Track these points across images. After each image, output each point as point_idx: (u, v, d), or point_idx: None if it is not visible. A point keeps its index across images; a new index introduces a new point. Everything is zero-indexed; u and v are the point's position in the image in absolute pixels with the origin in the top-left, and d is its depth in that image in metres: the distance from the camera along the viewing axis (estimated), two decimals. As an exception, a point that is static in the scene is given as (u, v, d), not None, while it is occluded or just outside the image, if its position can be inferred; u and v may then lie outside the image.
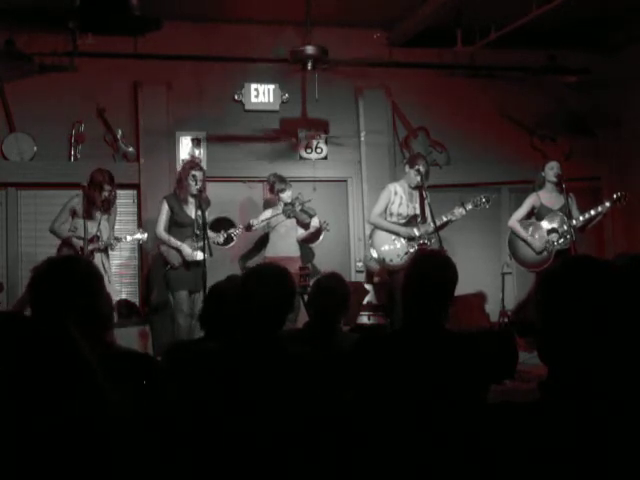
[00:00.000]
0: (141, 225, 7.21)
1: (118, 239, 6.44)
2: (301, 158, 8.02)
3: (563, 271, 1.67)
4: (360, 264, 7.86)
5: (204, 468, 2.39)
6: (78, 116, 7.39)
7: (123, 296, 7.31)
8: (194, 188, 6.39)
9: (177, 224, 6.52)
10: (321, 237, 7.50)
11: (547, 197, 6.65)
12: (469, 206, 6.40)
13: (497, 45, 7.36)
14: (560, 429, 1.49)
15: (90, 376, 1.32)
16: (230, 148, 7.79)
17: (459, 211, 6.37)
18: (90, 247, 6.21)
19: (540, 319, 1.63)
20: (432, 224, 6.24)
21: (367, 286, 7.23)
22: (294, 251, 7.07)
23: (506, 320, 7.12)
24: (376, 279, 7.42)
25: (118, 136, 7.49)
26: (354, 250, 8.06)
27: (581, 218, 6.46)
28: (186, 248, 6.43)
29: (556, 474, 1.47)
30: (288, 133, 7.96)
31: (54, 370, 1.27)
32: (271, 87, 7.92)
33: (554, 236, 6.54)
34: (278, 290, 2.69)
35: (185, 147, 7.70)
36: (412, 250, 6.31)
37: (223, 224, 7.25)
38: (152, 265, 7.30)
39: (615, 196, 6.47)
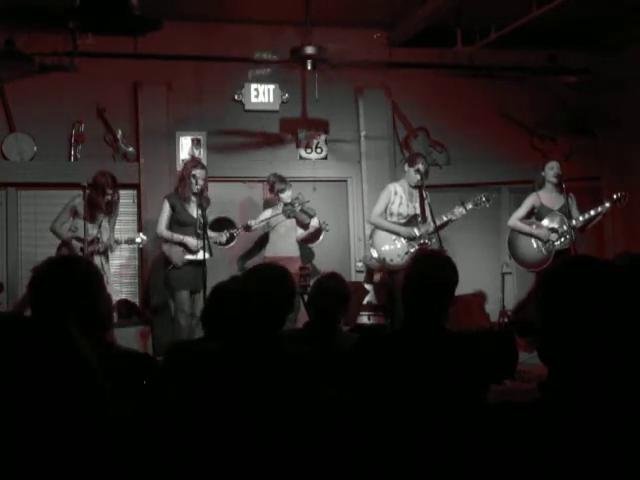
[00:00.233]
0: (141, 225, 7.21)
1: (118, 242, 6.43)
2: (301, 158, 8.02)
3: (563, 271, 1.67)
4: (360, 264, 7.85)
5: (204, 468, 2.39)
6: (78, 116, 7.40)
7: (123, 296, 7.31)
8: (195, 187, 6.39)
9: (179, 223, 6.49)
10: (321, 237, 7.50)
11: (547, 197, 6.65)
12: (469, 205, 6.41)
13: (497, 45, 7.35)
14: (560, 429, 1.49)
15: (90, 376, 1.32)
16: (230, 148, 7.79)
17: (459, 210, 6.37)
18: (90, 249, 6.20)
19: (540, 319, 1.63)
20: (432, 224, 6.24)
21: (367, 286, 7.23)
22: (294, 251, 7.06)
23: (506, 320, 7.12)
24: (376, 276, 7.41)
25: (118, 136, 7.49)
26: (354, 250, 8.06)
27: (581, 218, 6.46)
28: (190, 240, 6.37)
29: (556, 474, 1.47)
30: (288, 133, 7.96)
31: (54, 370, 1.27)
32: (271, 87, 7.92)
33: (554, 236, 6.54)
34: (278, 290, 2.70)
35: (185, 147, 7.71)
36: (412, 250, 6.32)
37: (223, 224, 7.24)
38: (152, 266, 7.30)
39: (615, 196, 6.47)
